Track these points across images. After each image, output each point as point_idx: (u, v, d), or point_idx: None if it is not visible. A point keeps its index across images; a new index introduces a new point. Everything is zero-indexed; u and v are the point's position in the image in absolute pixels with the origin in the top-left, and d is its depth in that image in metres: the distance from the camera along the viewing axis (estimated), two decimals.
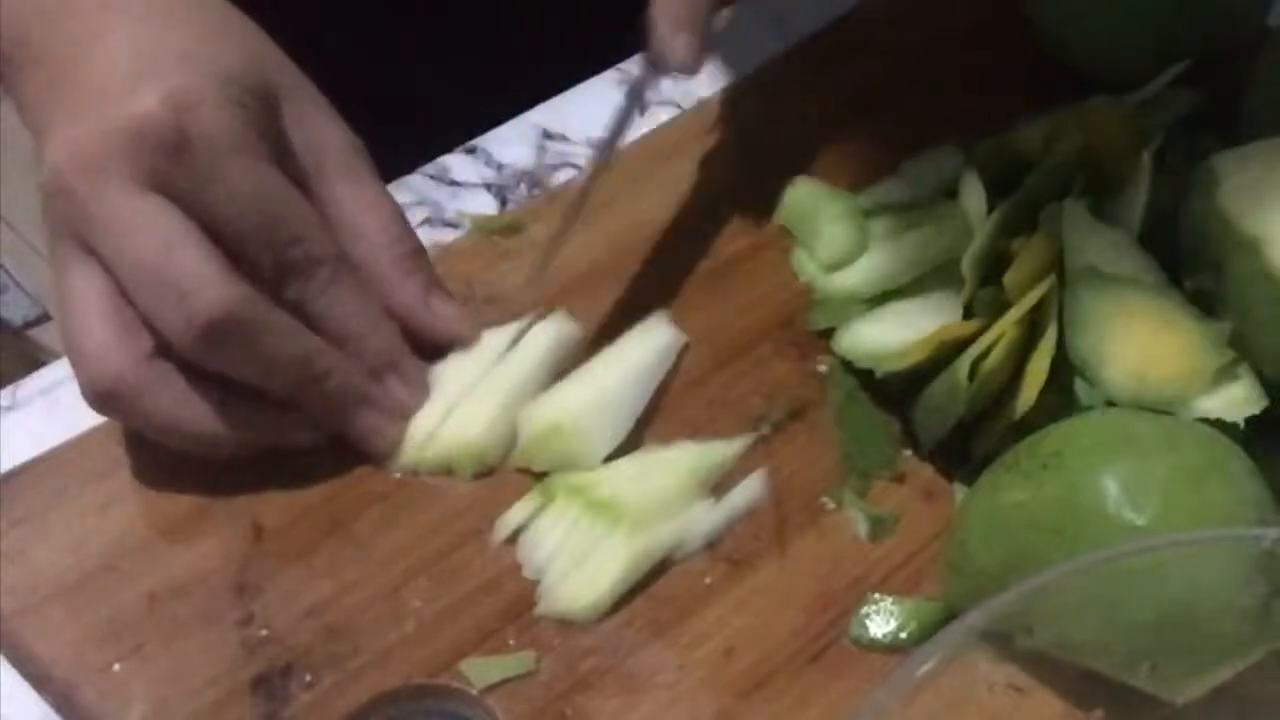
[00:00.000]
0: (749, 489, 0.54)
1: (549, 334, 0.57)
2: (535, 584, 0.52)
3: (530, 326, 0.58)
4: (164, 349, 0.52)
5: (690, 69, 0.58)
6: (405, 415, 0.55)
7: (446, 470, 0.55)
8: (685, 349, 0.59)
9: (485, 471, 0.55)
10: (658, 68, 0.59)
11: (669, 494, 0.53)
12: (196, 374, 0.52)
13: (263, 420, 0.53)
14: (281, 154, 0.55)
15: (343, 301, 0.54)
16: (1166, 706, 0.45)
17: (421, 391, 0.56)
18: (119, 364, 0.51)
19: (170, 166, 0.51)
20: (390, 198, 0.58)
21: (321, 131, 0.57)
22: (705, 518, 0.53)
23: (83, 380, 0.52)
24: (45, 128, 0.53)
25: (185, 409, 0.52)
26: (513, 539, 0.53)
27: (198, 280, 0.50)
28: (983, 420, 0.54)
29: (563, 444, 0.54)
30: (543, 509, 0.53)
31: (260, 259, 0.52)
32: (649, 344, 0.58)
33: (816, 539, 0.54)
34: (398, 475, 0.54)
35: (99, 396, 0.51)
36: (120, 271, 0.51)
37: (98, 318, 0.51)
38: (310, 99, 0.57)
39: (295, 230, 0.53)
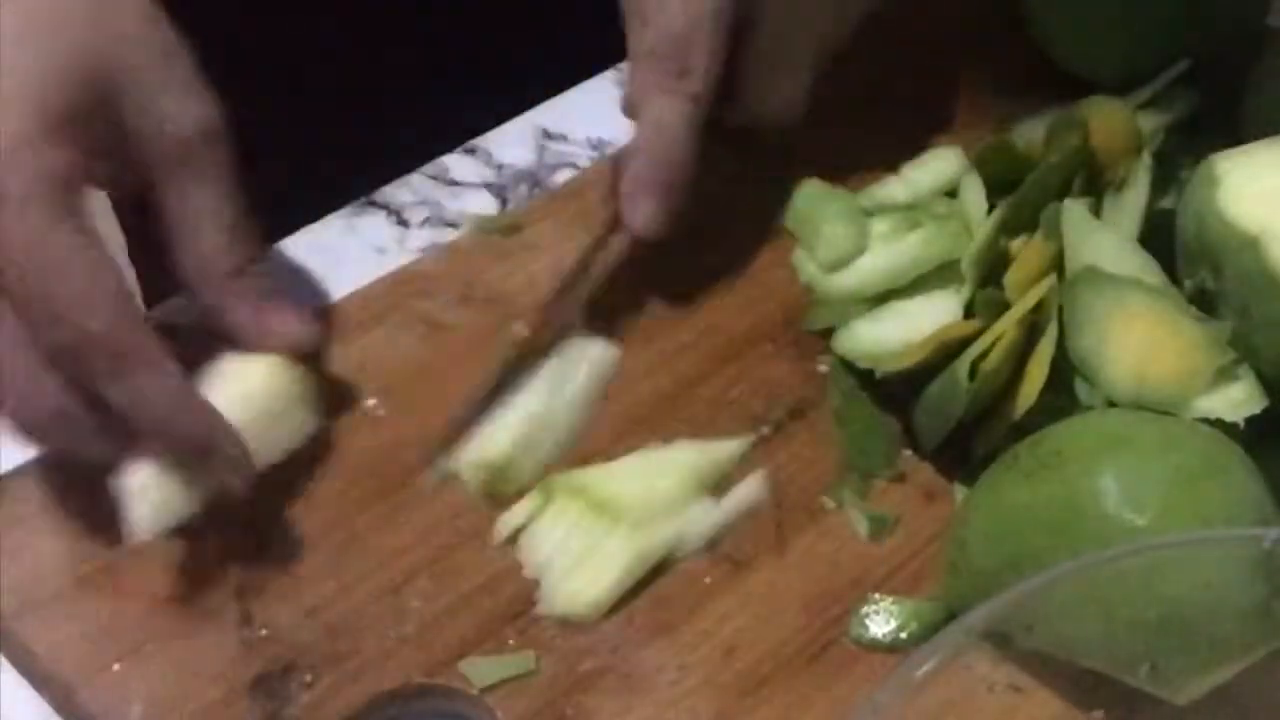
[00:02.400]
0: (749, 489, 0.54)
1: (584, 359, 0.57)
2: (535, 584, 0.52)
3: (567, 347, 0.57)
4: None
5: (651, 237, 0.56)
6: (235, 487, 0.51)
7: (487, 492, 0.54)
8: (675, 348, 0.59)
9: (514, 494, 0.54)
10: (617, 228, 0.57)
11: (669, 494, 0.53)
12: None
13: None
14: (113, 154, 0.51)
15: (132, 392, 0.49)
16: (1166, 706, 0.45)
17: (245, 458, 0.51)
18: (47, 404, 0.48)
19: None
20: (230, 199, 0.53)
21: (171, 118, 0.52)
22: (705, 518, 0.53)
23: (12, 419, 0.49)
24: None
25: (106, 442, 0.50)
26: (513, 539, 0.53)
27: None
28: (983, 420, 0.54)
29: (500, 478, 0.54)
30: (543, 509, 0.53)
31: (34, 330, 0.48)
32: (579, 364, 0.57)
33: (816, 539, 0.54)
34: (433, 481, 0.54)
35: (30, 435, 0.50)
36: None
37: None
38: (161, 80, 0.52)
39: (60, 307, 0.48)
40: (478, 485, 0.54)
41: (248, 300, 0.54)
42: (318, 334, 0.55)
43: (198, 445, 0.50)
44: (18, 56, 0.48)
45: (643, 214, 0.55)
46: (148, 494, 0.50)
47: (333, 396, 0.56)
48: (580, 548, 0.52)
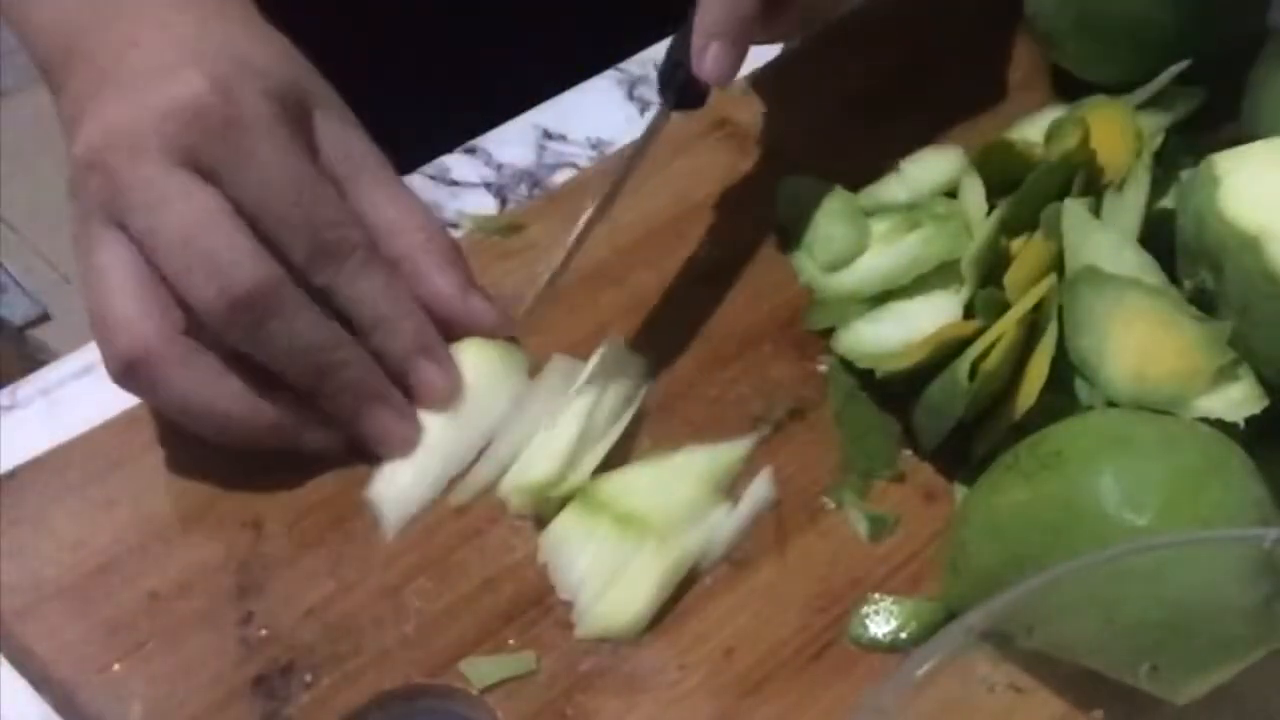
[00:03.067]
0: (761, 489, 0.54)
1: (620, 374, 0.57)
2: (535, 583, 0.52)
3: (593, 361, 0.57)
4: (193, 329, 0.52)
5: (720, 80, 0.58)
6: (438, 397, 0.55)
7: (533, 513, 0.54)
8: (682, 349, 0.59)
9: (549, 513, 0.54)
10: (684, 80, 0.58)
11: (688, 502, 0.53)
12: (223, 357, 0.52)
13: (283, 412, 0.53)
14: (316, 154, 0.56)
15: (374, 286, 0.55)
16: (1167, 707, 0.45)
17: (453, 375, 0.56)
18: (148, 335, 0.51)
19: (207, 144, 0.52)
20: (421, 202, 0.59)
21: (354, 140, 0.57)
22: (726, 523, 0.53)
23: (110, 352, 0.51)
24: (82, 116, 0.53)
25: (211, 387, 0.52)
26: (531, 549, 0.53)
27: (233, 254, 0.51)
28: (983, 420, 0.54)
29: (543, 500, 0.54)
30: (572, 528, 0.53)
31: (293, 242, 0.53)
32: (615, 381, 0.57)
33: (816, 539, 0.54)
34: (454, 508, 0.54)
35: (127, 367, 0.51)
36: (152, 244, 0.51)
37: (127, 290, 0.51)
38: (341, 110, 0.58)
39: (329, 215, 0.54)
40: (520, 506, 0.54)
41: (456, 275, 0.57)
42: (509, 322, 0.58)
43: (417, 342, 0.55)
44: (244, 52, 0.55)
45: (714, 59, 0.57)
46: (394, 483, 0.53)
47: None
48: (612, 566, 0.52)
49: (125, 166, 0.51)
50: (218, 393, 0.52)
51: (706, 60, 0.57)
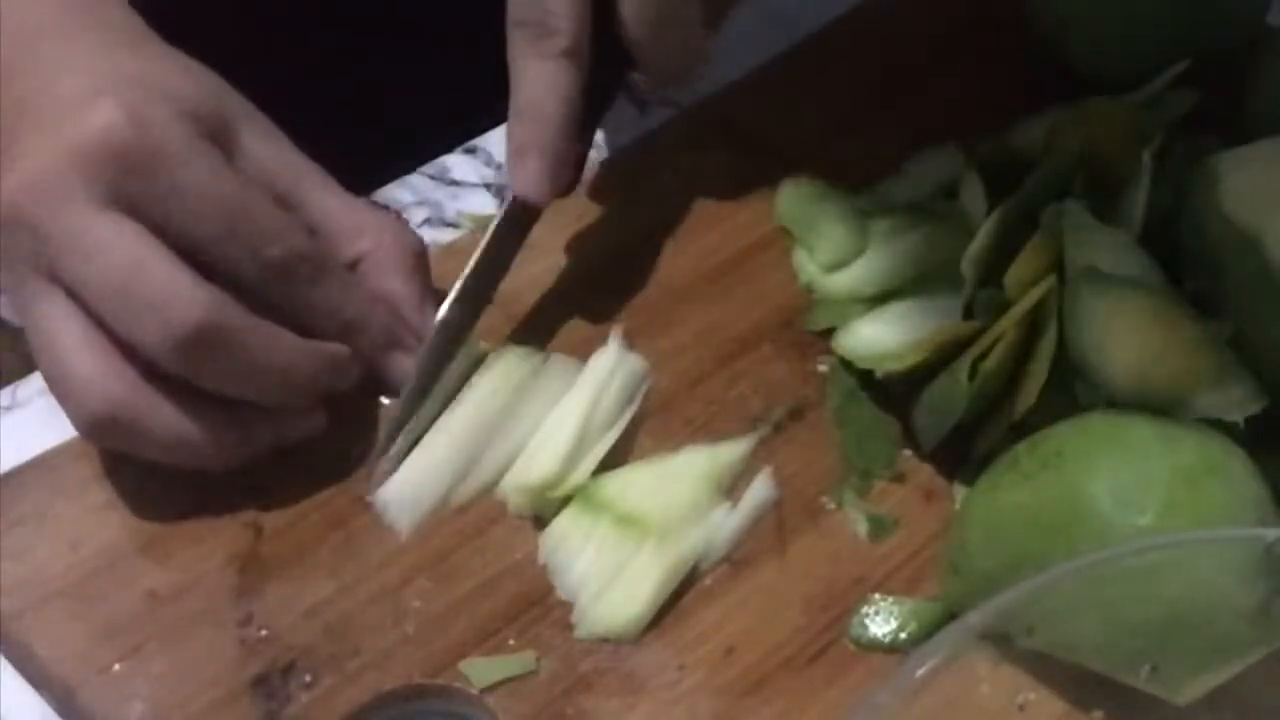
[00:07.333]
0: (761, 489, 0.54)
1: (618, 374, 0.57)
2: (535, 583, 0.52)
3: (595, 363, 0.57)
4: (153, 372, 0.51)
5: (538, 198, 0.57)
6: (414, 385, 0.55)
7: (532, 513, 0.54)
8: (682, 350, 0.59)
9: (549, 513, 0.54)
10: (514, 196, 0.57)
11: (689, 502, 0.53)
12: (188, 391, 0.51)
13: (260, 423, 0.53)
14: (246, 170, 0.54)
15: (331, 294, 0.54)
16: (1167, 707, 0.45)
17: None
18: (113, 391, 0.50)
19: (131, 179, 0.50)
20: (377, 204, 0.58)
21: (286, 152, 0.56)
22: (726, 523, 0.53)
23: (76, 413, 0.51)
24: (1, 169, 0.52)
25: (184, 424, 0.51)
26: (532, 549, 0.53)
27: (171, 292, 0.49)
28: (983, 420, 0.54)
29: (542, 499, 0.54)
30: (572, 528, 0.53)
31: (239, 263, 0.52)
32: (614, 380, 0.57)
33: (816, 539, 0.54)
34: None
35: (97, 426, 0.51)
36: (88, 294, 0.50)
37: (82, 347, 0.50)
38: (265, 124, 0.56)
39: (267, 229, 0.52)
40: (520, 506, 0.54)
41: (418, 282, 0.57)
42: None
43: (388, 338, 0.55)
44: (155, 79, 0.53)
45: (525, 176, 0.56)
46: (404, 486, 0.53)
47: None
48: (612, 566, 0.52)
49: (49, 218, 0.50)
50: (191, 427, 0.51)
51: (520, 179, 0.56)
